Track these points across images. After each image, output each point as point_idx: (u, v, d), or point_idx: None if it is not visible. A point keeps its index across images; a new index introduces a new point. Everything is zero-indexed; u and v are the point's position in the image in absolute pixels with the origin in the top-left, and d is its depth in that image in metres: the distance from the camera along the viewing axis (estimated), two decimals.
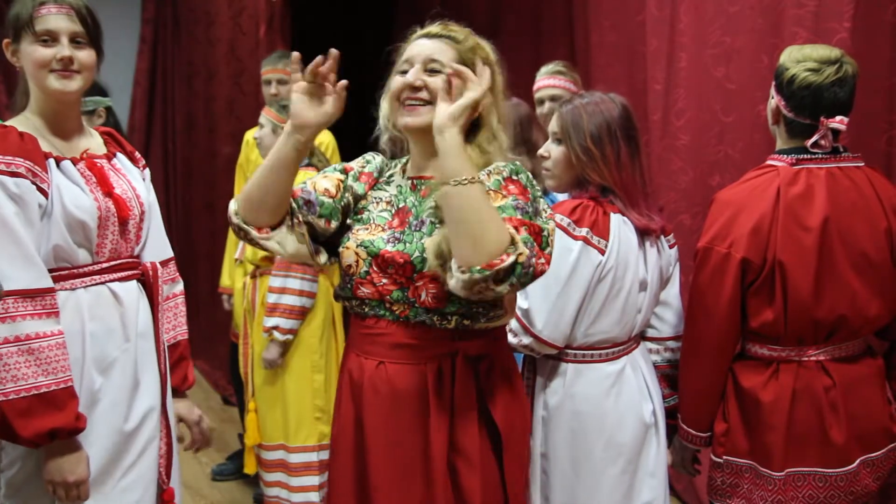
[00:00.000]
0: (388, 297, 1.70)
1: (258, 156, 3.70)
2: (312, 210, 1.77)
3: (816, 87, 1.96)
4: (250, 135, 3.88)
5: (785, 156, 2.05)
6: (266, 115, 3.29)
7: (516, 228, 1.54)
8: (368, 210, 1.79)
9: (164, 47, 5.87)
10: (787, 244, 1.97)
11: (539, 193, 1.68)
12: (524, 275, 1.51)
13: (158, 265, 2.03)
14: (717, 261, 2.02)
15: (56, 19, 1.84)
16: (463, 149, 1.57)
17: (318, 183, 1.80)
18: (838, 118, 1.96)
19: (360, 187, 1.83)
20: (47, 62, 1.84)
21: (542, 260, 1.57)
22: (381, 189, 1.83)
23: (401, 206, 1.77)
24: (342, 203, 1.80)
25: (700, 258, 2.06)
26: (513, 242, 1.51)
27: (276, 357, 3.08)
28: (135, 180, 2.02)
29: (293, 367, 3.13)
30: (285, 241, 1.74)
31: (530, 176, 1.69)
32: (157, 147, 5.92)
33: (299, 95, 1.69)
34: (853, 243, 1.99)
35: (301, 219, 1.76)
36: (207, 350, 5.30)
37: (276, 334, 3.05)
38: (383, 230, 1.74)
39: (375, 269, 1.71)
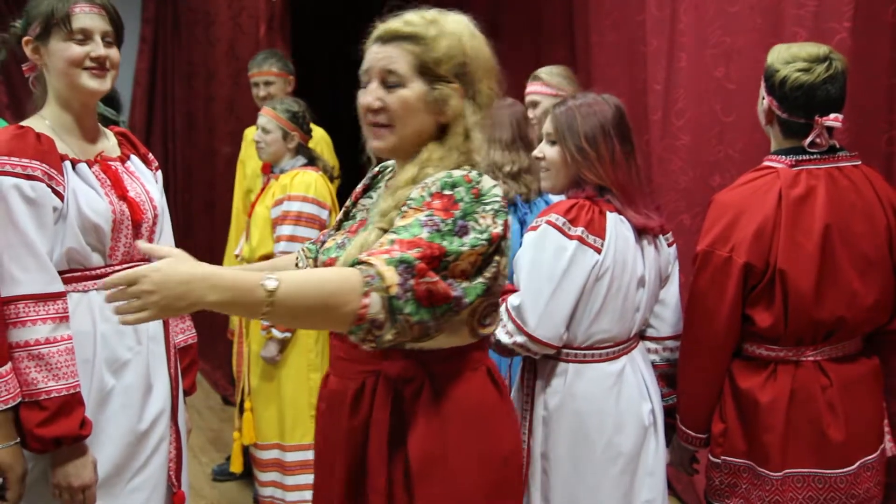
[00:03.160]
0: None
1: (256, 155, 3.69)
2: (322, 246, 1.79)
3: (809, 86, 1.96)
4: (250, 133, 3.87)
5: (784, 157, 2.04)
6: (267, 116, 3.25)
7: (388, 252, 1.36)
8: (353, 218, 1.76)
9: (164, 47, 5.88)
10: (789, 249, 1.97)
11: (479, 209, 1.47)
12: (410, 302, 1.34)
13: None
14: (717, 265, 2.01)
15: (90, 18, 1.86)
16: (225, 284, 1.25)
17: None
18: (832, 116, 1.97)
19: (350, 201, 1.80)
20: (81, 60, 1.84)
21: (431, 280, 1.37)
22: (368, 196, 1.78)
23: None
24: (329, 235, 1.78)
25: (700, 262, 2.06)
26: (374, 276, 1.33)
27: (274, 354, 3.08)
28: (148, 183, 2.02)
29: (289, 365, 3.13)
30: None
31: (473, 188, 1.48)
32: (157, 147, 5.92)
33: None
34: (854, 244, 1.99)
35: (313, 255, 1.81)
36: (207, 350, 5.29)
37: (275, 332, 3.05)
38: (343, 236, 1.69)
39: None
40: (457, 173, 1.50)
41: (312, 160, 3.28)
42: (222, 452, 4.16)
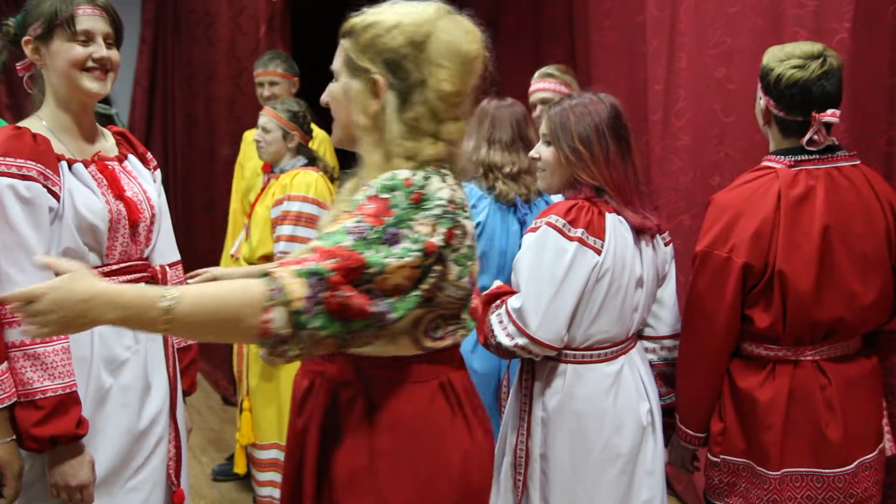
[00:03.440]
0: None
1: (257, 156, 3.69)
2: None
3: (804, 82, 1.97)
4: (250, 135, 3.88)
5: (782, 157, 2.04)
6: (268, 116, 3.25)
7: (301, 262, 1.29)
8: None
9: (164, 47, 5.87)
10: (788, 249, 1.97)
11: (417, 216, 1.38)
12: (319, 316, 1.27)
13: (167, 268, 2.04)
14: (716, 265, 2.01)
15: (93, 20, 1.86)
16: (122, 302, 1.24)
17: None
18: (830, 112, 1.97)
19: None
20: (84, 61, 1.85)
21: (345, 294, 1.28)
22: None
23: None
24: None
25: (699, 262, 2.05)
26: (278, 290, 1.26)
27: None
28: (146, 182, 2.02)
29: (289, 365, 3.10)
30: None
31: (413, 193, 1.39)
32: (157, 147, 5.92)
33: None
34: (853, 244, 1.99)
35: None
36: (207, 350, 5.29)
37: None
38: None
39: None
40: (401, 174, 1.40)
41: (313, 160, 3.28)
42: (222, 452, 4.16)
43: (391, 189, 1.38)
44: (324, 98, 1.59)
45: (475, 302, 1.58)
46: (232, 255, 3.60)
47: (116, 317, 1.24)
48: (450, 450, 1.51)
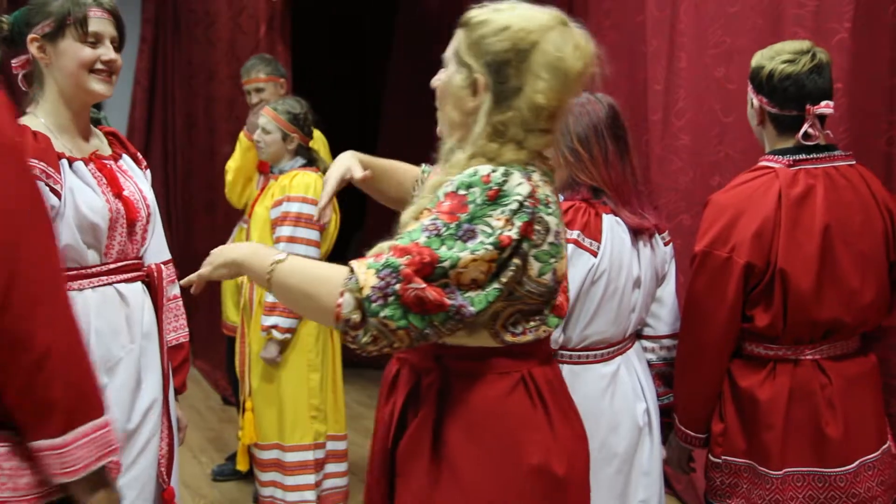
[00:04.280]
0: None
1: (248, 156, 3.68)
2: None
3: (796, 76, 1.98)
4: (242, 133, 3.86)
5: (780, 157, 2.05)
6: (268, 117, 3.24)
7: (377, 257, 1.36)
8: None
9: (164, 47, 5.88)
10: (790, 248, 1.97)
11: (492, 212, 1.39)
12: (391, 306, 1.33)
13: (163, 266, 2.05)
14: (717, 265, 2.01)
15: (102, 23, 1.89)
16: (252, 250, 1.52)
17: None
18: (824, 103, 1.98)
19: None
20: (92, 63, 1.87)
21: (419, 286, 1.33)
22: None
23: None
24: None
25: (698, 262, 2.05)
26: (351, 277, 1.36)
27: (275, 355, 3.08)
28: (140, 181, 2.03)
29: (290, 365, 3.12)
30: None
31: (490, 190, 1.39)
32: (157, 147, 5.92)
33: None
34: (853, 243, 1.99)
35: None
36: (207, 350, 5.30)
37: (275, 333, 3.04)
38: None
39: None
40: (482, 171, 1.42)
41: (312, 161, 3.28)
42: (222, 452, 4.17)
43: (469, 185, 1.40)
44: (435, 82, 1.58)
45: (560, 299, 1.55)
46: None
47: (240, 255, 1.51)
48: (525, 442, 1.49)
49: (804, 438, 2.01)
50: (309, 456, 3.14)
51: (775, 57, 2.01)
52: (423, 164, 1.87)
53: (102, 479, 1.45)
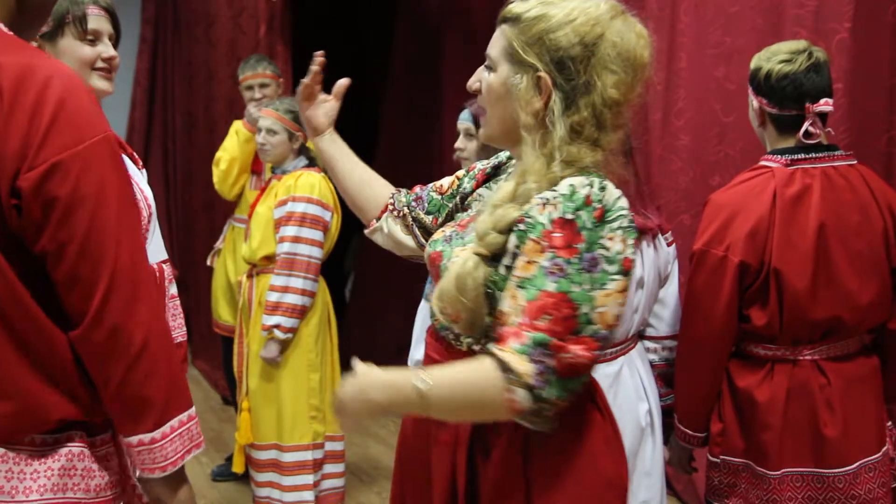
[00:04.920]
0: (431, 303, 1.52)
1: (245, 148, 3.68)
2: (421, 205, 1.71)
3: (794, 75, 1.98)
4: (238, 124, 3.85)
5: (779, 156, 2.05)
6: (272, 118, 3.23)
7: (518, 337, 1.28)
8: (471, 207, 1.63)
9: (164, 47, 5.87)
10: (784, 248, 1.97)
11: (605, 232, 1.31)
12: (552, 384, 1.28)
13: (164, 265, 2.05)
14: (713, 264, 2.02)
15: (100, 20, 1.89)
16: (390, 388, 1.37)
17: (441, 180, 1.73)
18: (823, 101, 1.98)
19: (469, 185, 1.66)
20: (94, 61, 1.87)
21: (572, 350, 1.27)
22: (488, 187, 1.63)
23: None
24: (451, 200, 1.68)
25: (696, 261, 2.06)
26: (506, 370, 1.28)
27: (275, 355, 3.08)
28: (141, 181, 2.03)
29: (289, 365, 3.12)
30: (393, 231, 1.71)
31: (596, 210, 1.31)
32: (157, 147, 5.92)
33: (304, 104, 1.72)
34: (850, 243, 1.99)
35: (407, 212, 1.70)
36: (207, 350, 5.30)
37: (278, 333, 3.04)
38: (452, 229, 1.56)
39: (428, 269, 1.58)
40: (580, 190, 1.32)
41: (313, 161, 3.28)
42: (222, 452, 4.16)
43: (575, 209, 1.31)
44: (474, 84, 1.49)
45: None
46: (217, 248, 3.56)
47: (385, 399, 1.37)
48: (603, 454, 1.48)
49: (802, 439, 2.01)
50: (308, 456, 3.14)
51: (772, 57, 2.02)
52: (394, 192, 1.77)
53: (183, 475, 1.45)
